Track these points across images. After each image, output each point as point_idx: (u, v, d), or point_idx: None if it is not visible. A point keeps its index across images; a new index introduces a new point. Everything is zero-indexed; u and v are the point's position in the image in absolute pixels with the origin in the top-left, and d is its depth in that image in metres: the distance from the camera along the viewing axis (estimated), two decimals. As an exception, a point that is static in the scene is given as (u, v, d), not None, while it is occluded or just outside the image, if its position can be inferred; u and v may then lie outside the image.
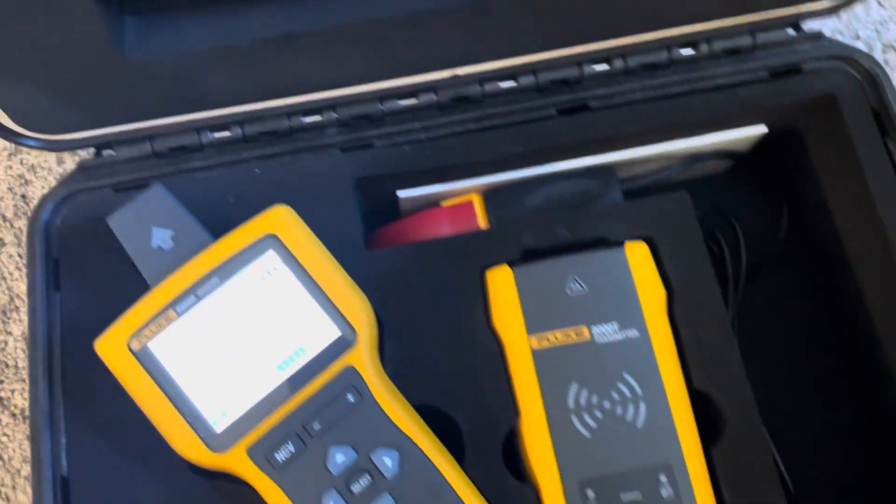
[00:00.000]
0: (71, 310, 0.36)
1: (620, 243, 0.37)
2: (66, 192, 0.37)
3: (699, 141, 0.41)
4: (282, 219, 0.33)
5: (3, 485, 0.44)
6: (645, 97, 0.40)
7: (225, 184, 0.38)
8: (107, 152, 0.38)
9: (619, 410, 0.34)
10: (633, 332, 0.35)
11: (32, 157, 0.50)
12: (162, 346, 0.32)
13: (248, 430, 0.31)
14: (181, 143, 0.38)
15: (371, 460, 0.32)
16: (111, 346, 0.32)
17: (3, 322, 0.47)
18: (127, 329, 0.32)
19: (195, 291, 0.32)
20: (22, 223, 0.49)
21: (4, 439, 0.45)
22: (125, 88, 0.36)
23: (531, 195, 0.40)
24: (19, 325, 0.47)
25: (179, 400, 0.32)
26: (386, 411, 0.32)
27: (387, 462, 0.32)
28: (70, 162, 0.49)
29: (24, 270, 0.40)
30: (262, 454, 0.31)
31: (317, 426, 0.32)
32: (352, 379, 0.32)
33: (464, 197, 0.41)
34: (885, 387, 0.39)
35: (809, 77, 0.40)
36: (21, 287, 0.47)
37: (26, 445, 0.44)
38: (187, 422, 0.31)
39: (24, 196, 0.49)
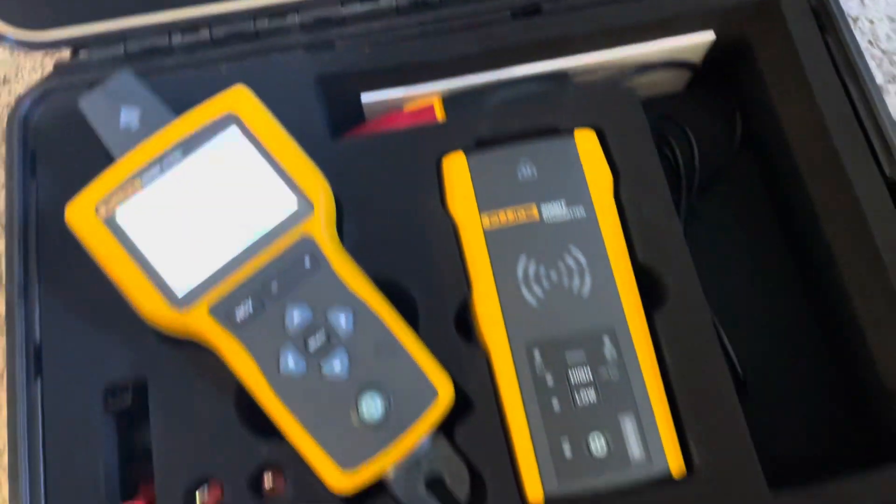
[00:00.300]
0: (45, 195, 0.38)
1: (570, 131, 0.39)
2: (43, 90, 0.39)
3: (650, 47, 0.43)
4: (242, 98, 0.35)
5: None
6: (595, 0, 0.42)
7: (193, 83, 0.39)
8: (82, 53, 0.40)
9: (565, 281, 0.36)
10: (580, 211, 0.37)
11: (21, 86, 0.52)
12: (128, 214, 0.34)
13: (209, 290, 0.33)
14: (153, 44, 0.40)
15: (326, 318, 0.33)
16: (80, 213, 0.33)
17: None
18: (95, 196, 0.33)
19: (160, 163, 0.34)
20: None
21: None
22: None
23: (489, 97, 0.42)
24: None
25: (144, 264, 0.33)
26: (341, 276, 0.34)
27: (341, 320, 0.33)
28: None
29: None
30: (223, 313, 0.33)
31: (275, 287, 0.34)
32: (308, 246, 0.34)
33: (425, 101, 0.43)
34: (832, 287, 0.41)
35: (752, -21, 0.42)
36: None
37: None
38: (152, 284, 0.33)
39: (11, 124, 0.51)
